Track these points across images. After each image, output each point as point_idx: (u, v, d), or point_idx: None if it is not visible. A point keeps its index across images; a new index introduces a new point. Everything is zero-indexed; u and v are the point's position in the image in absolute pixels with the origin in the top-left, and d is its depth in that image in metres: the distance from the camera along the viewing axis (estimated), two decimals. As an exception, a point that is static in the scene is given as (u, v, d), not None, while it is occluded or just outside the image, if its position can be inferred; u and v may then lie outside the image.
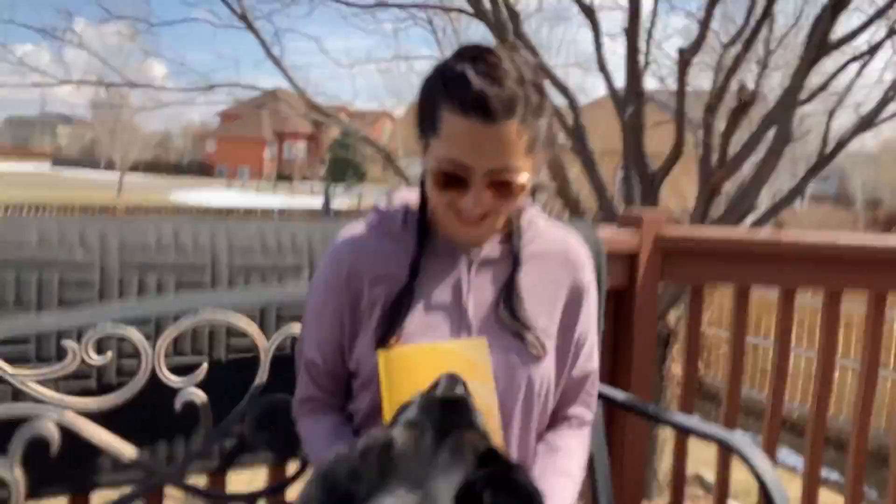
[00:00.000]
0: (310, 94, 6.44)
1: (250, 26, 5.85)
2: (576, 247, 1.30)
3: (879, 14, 5.09)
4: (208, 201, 23.14)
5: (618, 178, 5.47)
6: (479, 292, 1.22)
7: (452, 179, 1.12)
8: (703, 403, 7.85)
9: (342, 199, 26.16)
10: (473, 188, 1.11)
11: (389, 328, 1.18)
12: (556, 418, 1.31)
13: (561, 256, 1.27)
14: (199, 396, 1.39)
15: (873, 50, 5.41)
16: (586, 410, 1.33)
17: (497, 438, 1.16)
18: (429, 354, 1.18)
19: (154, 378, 1.36)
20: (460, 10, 6.24)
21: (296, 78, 6.17)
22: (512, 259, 1.23)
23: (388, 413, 1.15)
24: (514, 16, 5.10)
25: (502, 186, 1.12)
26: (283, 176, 49.64)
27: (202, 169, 56.01)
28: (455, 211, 1.15)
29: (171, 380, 1.38)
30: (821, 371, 2.04)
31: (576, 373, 1.30)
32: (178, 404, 1.37)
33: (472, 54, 1.11)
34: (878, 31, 5.42)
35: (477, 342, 1.19)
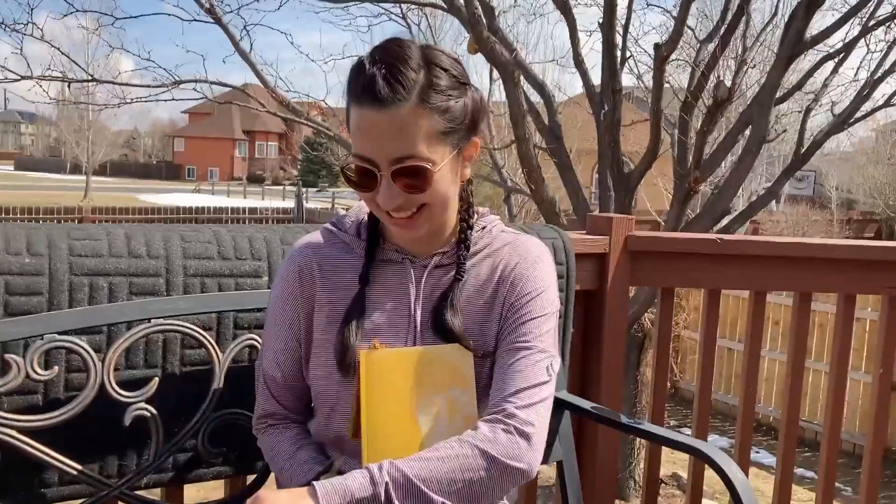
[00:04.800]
0: (280, 90, 6.32)
1: (218, 20, 5.71)
2: (525, 240, 1.25)
3: (853, 12, 5.11)
4: (177, 203, 22.81)
5: (595, 178, 5.42)
6: (429, 301, 1.19)
7: (362, 176, 1.09)
8: (680, 408, 7.87)
9: (315, 202, 25.96)
10: (382, 182, 1.08)
11: (341, 338, 1.15)
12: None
13: (508, 251, 1.23)
14: (150, 411, 1.34)
15: (848, 48, 5.43)
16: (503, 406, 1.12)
17: None
18: (412, 358, 1.16)
19: (103, 393, 1.30)
20: (434, 5, 6.16)
21: (266, 74, 6.05)
22: (456, 270, 1.20)
23: (364, 415, 1.13)
24: (489, 10, 5.03)
25: (410, 176, 1.07)
26: (255, 177, 49.18)
27: (171, 170, 55.33)
28: (384, 212, 1.12)
29: (121, 395, 1.32)
30: (792, 369, 2.06)
31: (503, 350, 1.17)
32: (127, 420, 1.32)
33: (378, 45, 1.09)
34: (852, 29, 5.46)
35: (463, 349, 1.17)
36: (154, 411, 1.34)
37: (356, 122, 1.07)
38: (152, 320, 1.34)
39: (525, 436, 1.09)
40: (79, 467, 1.31)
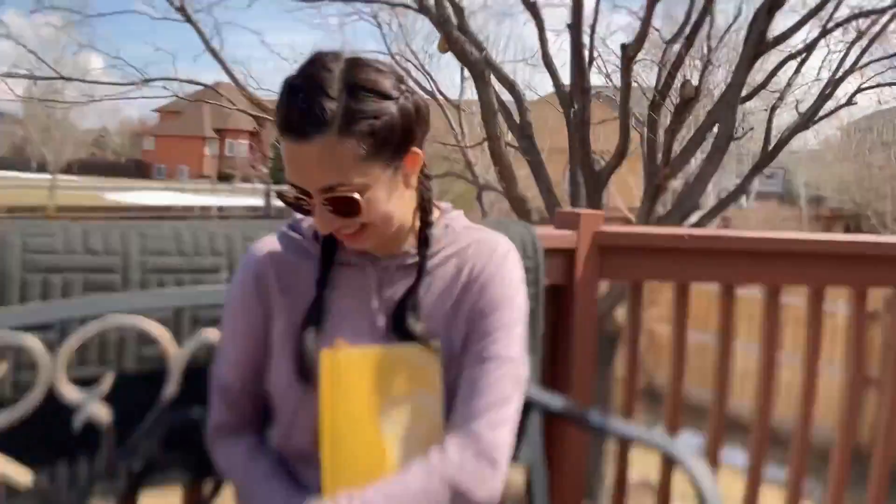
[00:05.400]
0: (251, 89, 6.27)
1: (189, 19, 5.64)
2: (491, 239, 1.21)
3: (812, 14, 5.21)
4: (146, 201, 22.51)
5: (567, 176, 5.46)
6: (391, 305, 1.16)
7: (297, 202, 1.08)
8: (655, 405, 7.91)
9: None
10: (316, 209, 1.07)
11: (299, 346, 1.12)
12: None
13: (474, 250, 1.19)
14: (102, 412, 1.30)
15: (809, 48, 5.54)
16: (470, 420, 1.10)
17: None
18: (377, 358, 1.12)
19: (53, 393, 1.26)
20: (405, 6, 6.15)
21: (236, 72, 5.99)
22: (418, 270, 1.16)
23: (325, 417, 1.09)
24: (459, 10, 5.03)
25: (341, 204, 1.06)
26: (225, 175, 48.78)
27: (140, 168, 54.61)
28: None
29: (73, 396, 1.28)
30: (763, 364, 2.06)
31: (471, 360, 1.15)
32: (77, 421, 1.28)
33: (300, 67, 1.06)
34: (812, 30, 5.57)
35: (430, 350, 1.14)
36: (107, 413, 1.30)
37: (284, 152, 1.06)
38: (107, 316, 1.29)
39: (492, 462, 1.08)
40: (26, 477, 1.26)
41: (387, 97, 1.05)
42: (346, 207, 1.06)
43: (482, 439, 1.08)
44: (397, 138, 1.07)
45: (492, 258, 1.19)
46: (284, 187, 1.10)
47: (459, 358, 1.15)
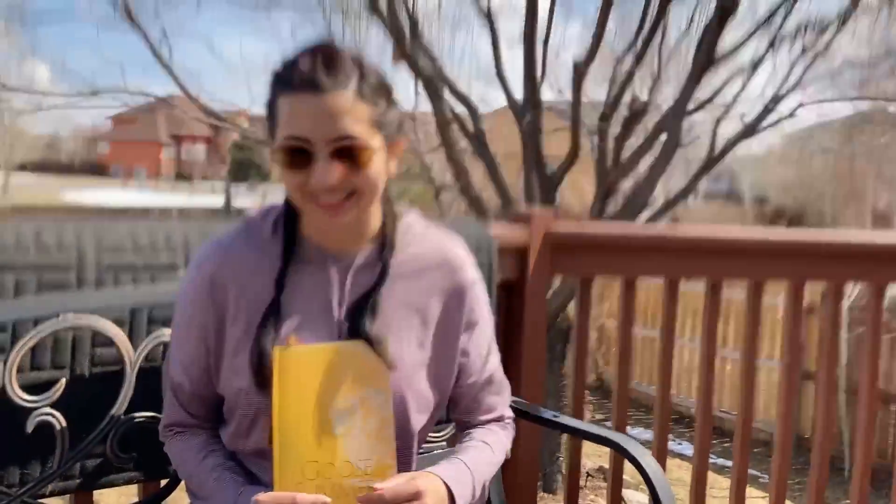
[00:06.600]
0: (203, 99, 6.18)
1: (136, 24, 5.55)
2: (454, 249, 1.26)
3: (759, 27, 5.39)
4: (103, 201, 21.95)
5: (522, 178, 5.56)
6: (350, 303, 1.17)
7: (296, 155, 1.08)
8: (606, 401, 8.01)
9: (245, 198, 25.41)
10: (319, 159, 1.07)
11: (257, 347, 1.12)
12: (466, 426, 1.32)
13: (437, 260, 1.23)
14: (56, 416, 1.28)
15: (756, 64, 5.75)
16: (497, 411, 1.34)
17: (390, 449, 1.13)
18: (328, 355, 1.12)
19: (4, 397, 1.24)
20: (357, 15, 6.14)
21: (187, 82, 5.89)
22: (380, 270, 1.18)
23: (276, 415, 1.09)
24: (413, 22, 5.08)
25: (348, 155, 1.08)
26: (183, 176, 47.90)
27: (96, 168, 53.24)
28: (312, 196, 1.09)
29: (24, 399, 1.26)
30: (705, 356, 2.12)
31: (474, 378, 1.28)
32: (30, 426, 1.26)
33: (307, 45, 1.11)
34: (760, 46, 5.76)
35: None
36: (60, 416, 1.28)
37: (291, 109, 1.07)
38: (61, 316, 1.28)
39: (513, 436, 1.35)
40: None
41: (386, 83, 1.14)
42: (353, 159, 1.08)
43: (512, 423, 1.35)
44: (396, 121, 1.14)
45: (461, 273, 1.24)
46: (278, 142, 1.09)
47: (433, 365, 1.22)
